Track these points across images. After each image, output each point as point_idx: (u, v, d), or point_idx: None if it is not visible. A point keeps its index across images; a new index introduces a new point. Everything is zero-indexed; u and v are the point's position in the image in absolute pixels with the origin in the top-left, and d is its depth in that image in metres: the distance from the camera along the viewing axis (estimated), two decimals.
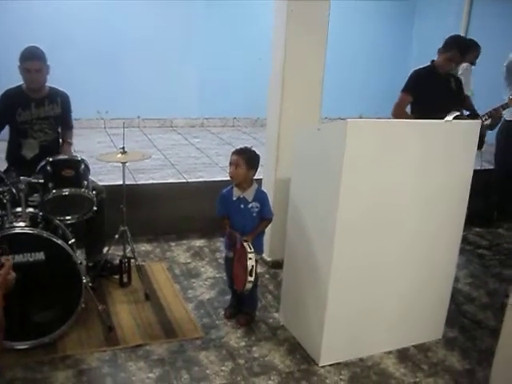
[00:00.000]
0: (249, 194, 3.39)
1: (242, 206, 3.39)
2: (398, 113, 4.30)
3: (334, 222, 2.91)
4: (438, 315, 3.53)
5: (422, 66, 4.51)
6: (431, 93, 4.30)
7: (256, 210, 3.39)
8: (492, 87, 5.32)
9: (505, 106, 4.94)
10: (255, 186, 3.42)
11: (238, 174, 3.34)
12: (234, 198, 3.40)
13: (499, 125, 5.37)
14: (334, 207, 2.90)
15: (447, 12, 8.60)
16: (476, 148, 3.27)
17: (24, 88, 3.80)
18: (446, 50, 4.44)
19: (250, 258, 3.15)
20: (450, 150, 3.15)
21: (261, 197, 3.42)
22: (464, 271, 4.60)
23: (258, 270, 3.65)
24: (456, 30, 7.44)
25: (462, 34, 7.77)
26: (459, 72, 5.09)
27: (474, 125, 3.28)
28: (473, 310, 3.97)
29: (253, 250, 3.17)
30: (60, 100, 3.92)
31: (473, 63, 5.53)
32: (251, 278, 3.17)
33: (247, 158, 3.33)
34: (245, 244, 3.21)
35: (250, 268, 3.14)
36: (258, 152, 3.45)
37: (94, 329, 3.39)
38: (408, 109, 4.48)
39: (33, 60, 3.66)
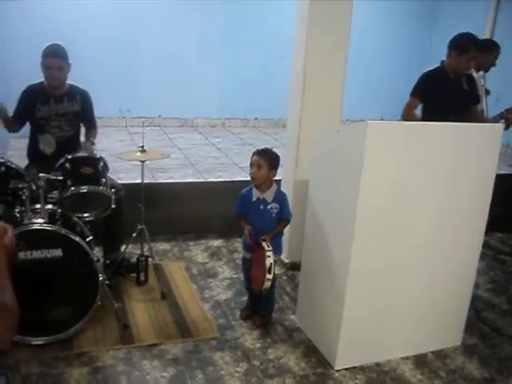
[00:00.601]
0: (268, 195, 3.37)
1: (262, 206, 3.37)
2: (407, 116, 4.25)
3: (353, 225, 2.88)
4: (457, 321, 3.47)
5: (431, 68, 4.40)
6: (441, 95, 4.21)
7: (275, 210, 3.37)
8: None
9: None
10: (275, 186, 3.41)
11: (259, 175, 3.32)
12: (254, 199, 3.39)
13: None
14: (353, 209, 2.86)
15: (471, 12, 8.48)
16: (498, 151, 3.21)
17: (45, 84, 3.83)
18: (462, 51, 4.28)
19: (269, 256, 3.13)
20: (471, 153, 3.10)
21: (280, 198, 3.40)
22: (484, 277, 4.53)
23: (276, 272, 3.64)
24: (480, 32, 7.33)
25: (488, 36, 7.66)
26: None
27: (497, 128, 3.22)
28: (493, 317, 3.90)
29: (271, 249, 3.16)
30: (79, 97, 3.95)
31: (492, 65, 5.28)
32: (270, 276, 3.14)
33: (269, 159, 3.32)
34: (263, 243, 3.20)
35: (268, 266, 3.12)
36: (278, 153, 3.43)
37: (110, 326, 3.39)
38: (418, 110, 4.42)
39: (54, 57, 3.70)
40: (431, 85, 4.26)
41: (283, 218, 3.41)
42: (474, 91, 4.57)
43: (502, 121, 4.62)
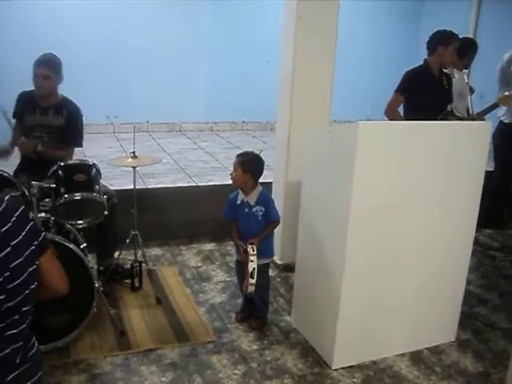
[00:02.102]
0: (251, 198, 3.37)
1: (247, 209, 3.38)
2: (390, 113, 4.30)
3: (346, 225, 2.90)
4: (451, 317, 3.51)
5: (415, 66, 4.46)
6: (425, 93, 4.27)
7: (261, 213, 3.36)
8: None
9: (494, 106, 4.91)
10: (259, 189, 3.40)
11: (235, 178, 3.35)
12: (239, 202, 3.41)
13: (496, 127, 5.33)
14: (346, 210, 2.89)
15: (455, 12, 8.57)
16: (487, 149, 3.26)
17: (35, 93, 3.82)
18: (448, 43, 4.33)
19: (252, 261, 3.17)
20: (462, 151, 3.13)
21: (264, 200, 3.39)
22: (476, 273, 4.58)
23: (270, 274, 3.67)
24: (465, 30, 7.42)
25: (471, 35, 7.75)
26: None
27: (486, 126, 3.27)
28: (485, 312, 3.94)
29: (255, 253, 3.18)
30: (66, 112, 3.85)
31: (471, 62, 5.34)
32: (252, 281, 3.19)
33: (242, 162, 3.33)
34: (248, 247, 3.22)
35: (250, 270, 3.16)
36: (261, 156, 3.44)
37: (107, 333, 3.40)
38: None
39: (41, 66, 3.70)
40: (415, 82, 4.31)
41: (270, 220, 3.40)
42: (451, 91, 4.64)
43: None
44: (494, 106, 4.91)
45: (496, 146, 5.38)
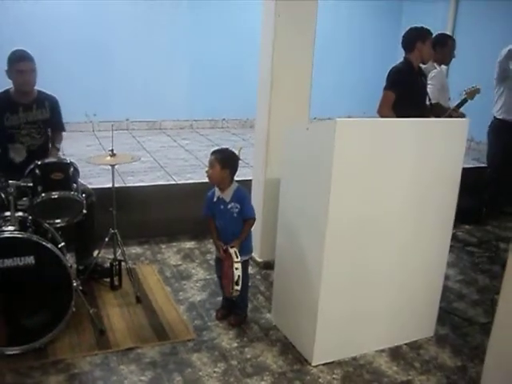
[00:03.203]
0: (227, 195, 3.37)
1: (222, 206, 3.38)
2: (385, 112, 4.30)
3: (325, 223, 2.91)
4: (430, 313, 3.54)
5: (399, 63, 4.49)
6: (411, 89, 4.31)
7: (236, 210, 3.35)
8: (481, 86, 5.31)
9: (464, 101, 4.97)
10: (234, 186, 3.38)
11: (212, 175, 3.34)
12: (215, 199, 3.41)
13: (490, 123, 5.41)
14: (325, 207, 2.89)
15: (434, 11, 8.66)
16: (464, 145, 3.29)
17: (11, 92, 3.77)
18: (425, 38, 4.38)
19: (237, 268, 3.15)
20: (440, 148, 3.16)
21: (239, 196, 3.38)
22: (454, 269, 4.62)
23: (250, 271, 3.66)
24: (443, 29, 7.48)
25: (449, 33, 7.82)
26: (430, 76, 4.99)
27: (463, 123, 3.29)
28: (463, 307, 3.98)
29: (239, 260, 3.17)
30: (48, 104, 3.89)
31: (451, 57, 5.40)
32: (237, 288, 3.18)
33: (220, 158, 3.31)
34: (231, 251, 3.21)
35: (236, 278, 3.15)
36: (240, 153, 3.44)
37: (86, 332, 3.37)
38: None
39: (25, 61, 3.66)
40: (403, 79, 4.33)
41: (245, 217, 3.38)
42: (426, 86, 4.70)
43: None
44: (464, 101, 4.96)
45: (490, 142, 5.45)
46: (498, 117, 5.33)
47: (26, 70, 3.66)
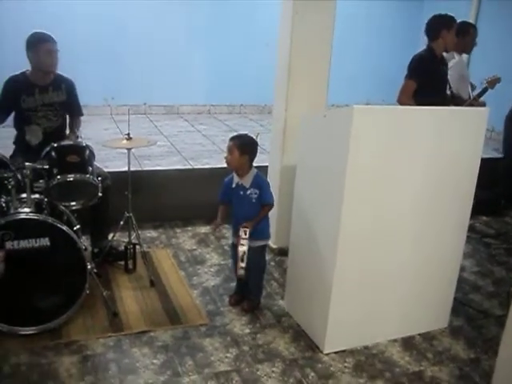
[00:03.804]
0: (246, 181, 3.36)
1: (241, 192, 3.37)
2: (405, 101, 4.24)
3: (340, 210, 2.89)
4: (444, 304, 3.51)
5: (421, 51, 4.42)
6: (433, 78, 4.25)
7: (255, 196, 3.35)
8: (503, 75, 5.21)
9: (485, 89, 4.88)
10: (253, 172, 3.38)
11: (231, 160, 3.33)
12: (234, 185, 3.40)
13: (507, 113, 5.32)
14: (340, 195, 2.87)
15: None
16: (483, 136, 3.24)
17: (28, 74, 3.79)
18: (450, 27, 4.30)
19: (242, 245, 3.20)
20: (458, 137, 3.11)
21: (259, 182, 3.37)
22: (470, 260, 4.58)
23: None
24: (466, 15, 7.36)
25: (472, 19, 7.70)
26: (449, 65, 4.91)
27: (483, 112, 3.24)
28: (479, 299, 3.95)
29: (247, 237, 3.21)
30: (64, 86, 3.90)
31: (473, 46, 5.31)
32: (242, 265, 3.23)
33: (239, 144, 3.30)
34: (241, 230, 3.23)
35: (241, 254, 3.21)
36: (258, 139, 3.43)
37: (99, 315, 3.40)
38: None
39: (53, 41, 3.71)
40: (425, 68, 4.27)
41: (263, 202, 3.38)
42: (447, 75, 4.63)
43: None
44: (485, 90, 4.89)
45: (507, 132, 5.37)
46: None
47: (54, 50, 3.71)
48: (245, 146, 3.32)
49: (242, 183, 3.37)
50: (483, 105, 4.73)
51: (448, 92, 4.56)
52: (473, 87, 5.11)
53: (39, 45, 3.67)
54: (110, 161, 4.94)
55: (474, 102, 4.77)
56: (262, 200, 3.37)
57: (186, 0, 8.03)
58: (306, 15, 3.92)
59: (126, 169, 3.81)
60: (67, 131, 4.03)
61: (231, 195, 3.42)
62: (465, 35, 4.96)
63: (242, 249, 3.20)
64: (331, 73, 4.17)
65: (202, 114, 8.67)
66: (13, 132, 3.95)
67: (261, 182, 3.38)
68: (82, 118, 4.17)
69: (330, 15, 4.00)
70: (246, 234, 3.21)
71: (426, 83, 4.16)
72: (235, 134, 3.47)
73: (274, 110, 4.40)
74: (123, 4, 7.66)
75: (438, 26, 4.30)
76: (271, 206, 3.43)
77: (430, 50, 4.34)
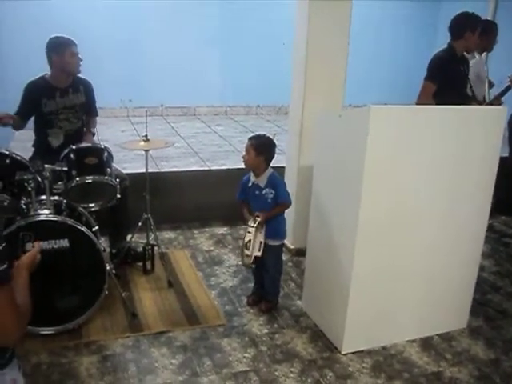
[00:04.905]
0: (262, 180, 3.38)
1: (257, 192, 3.40)
2: (425, 102, 4.19)
3: (357, 211, 2.89)
4: (463, 304, 3.49)
5: (441, 50, 4.35)
6: (453, 78, 4.20)
7: (271, 195, 3.37)
8: None
9: (509, 87, 4.82)
10: (269, 171, 3.40)
11: (247, 160, 3.37)
12: (250, 184, 3.43)
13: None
14: (357, 196, 2.87)
15: None
16: (502, 135, 3.21)
17: (48, 78, 3.82)
18: (474, 28, 4.23)
19: (249, 232, 3.25)
20: (476, 136, 3.10)
21: (274, 182, 3.39)
22: (489, 260, 4.54)
23: (282, 258, 3.66)
24: (485, 9, 7.27)
25: (490, 15, 7.60)
26: (469, 64, 4.85)
27: (501, 111, 3.22)
28: (498, 300, 3.91)
29: (255, 226, 3.25)
30: (83, 88, 3.95)
31: (494, 44, 5.24)
32: (247, 252, 3.27)
33: (256, 145, 3.34)
34: (251, 219, 3.29)
35: (246, 241, 3.25)
36: (274, 139, 3.43)
37: (118, 315, 3.42)
38: None
39: (75, 45, 3.77)
40: (446, 67, 4.21)
41: (278, 201, 3.39)
42: (468, 75, 4.57)
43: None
44: (508, 89, 4.83)
45: (510, 131, 5.31)
46: None
47: (77, 52, 3.77)
48: (261, 147, 3.34)
49: (258, 183, 3.39)
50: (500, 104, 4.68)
51: (469, 92, 4.50)
52: (491, 85, 5.05)
53: (66, 47, 3.72)
54: (127, 162, 4.97)
55: (495, 101, 4.72)
56: (277, 199, 3.38)
57: (201, 1, 8.05)
58: (322, 15, 3.92)
59: (143, 170, 3.83)
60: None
61: (247, 194, 3.45)
62: (487, 34, 4.87)
63: (248, 236, 3.24)
64: (348, 72, 4.15)
65: (218, 115, 8.69)
66: (31, 134, 3.99)
67: (276, 182, 3.40)
68: (97, 118, 4.22)
69: (347, 15, 4.00)
70: (254, 223, 3.25)
71: (446, 84, 4.11)
72: (253, 134, 3.49)
73: (291, 111, 4.41)
74: (139, 7, 7.70)
75: (463, 26, 4.20)
76: (287, 204, 3.44)
77: (451, 48, 4.27)
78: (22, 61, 5.94)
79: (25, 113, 3.80)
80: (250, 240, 3.24)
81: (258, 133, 3.52)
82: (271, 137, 3.44)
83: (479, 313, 3.68)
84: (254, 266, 3.40)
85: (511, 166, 5.25)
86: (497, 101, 4.75)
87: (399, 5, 9.02)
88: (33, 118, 3.87)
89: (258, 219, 3.27)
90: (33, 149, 3.97)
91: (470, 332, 3.48)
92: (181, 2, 7.90)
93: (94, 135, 4.03)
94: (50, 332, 3.15)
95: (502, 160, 3.29)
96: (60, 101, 3.82)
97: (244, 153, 3.38)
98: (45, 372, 2.89)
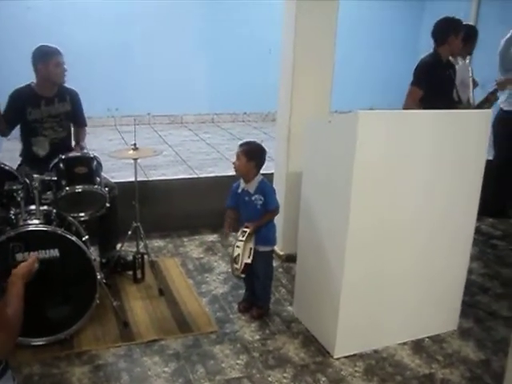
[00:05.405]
0: (251, 187, 3.40)
1: (247, 198, 3.41)
2: (411, 108, 4.22)
3: (347, 216, 2.91)
4: (453, 306, 3.52)
5: (427, 55, 4.40)
6: (439, 83, 4.24)
7: (260, 202, 3.38)
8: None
9: (494, 92, 4.88)
10: (259, 178, 3.41)
11: (238, 166, 3.38)
12: (239, 191, 3.44)
13: (495, 115, 5.30)
14: (347, 200, 2.89)
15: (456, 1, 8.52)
16: (488, 138, 3.25)
17: (33, 86, 3.82)
18: (458, 32, 4.28)
19: (238, 247, 3.25)
20: (463, 140, 3.13)
21: (263, 188, 3.40)
22: (478, 262, 4.58)
23: (273, 264, 3.67)
24: (467, 18, 7.37)
25: (472, 19, 7.71)
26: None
27: (486, 114, 3.26)
28: (487, 301, 3.95)
29: (244, 239, 3.25)
30: (69, 97, 3.94)
31: (471, 52, 5.31)
32: (237, 266, 3.28)
33: (246, 150, 3.36)
34: (240, 231, 3.29)
35: (234, 255, 3.26)
36: (263, 145, 3.46)
37: (109, 325, 3.41)
38: None
39: (59, 54, 3.77)
40: (432, 73, 4.26)
41: (267, 208, 3.41)
42: (454, 80, 4.61)
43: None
44: (494, 93, 4.87)
45: (496, 134, 5.36)
46: (504, 108, 5.21)
47: (62, 62, 3.77)
48: (252, 153, 3.36)
49: (248, 189, 3.40)
50: (495, 99, 4.77)
51: (455, 96, 4.55)
52: (475, 85, 5.10)
53: (50, 57, 3.72)
54: (116, 171, 4.96)
55: (491, 96, 4.77)
56: (266, 206, 3.40)
57: (186, 10, 8.07)
58: (309, 21, 3.95)
59: (132, 179, 3.83)
60: (73, 143, 4.05)
61: (237, 200, 3.46)
62: (469, 39, 4.94)
63: (237, 251, 3.25)
64: (334, 78, 4.19)
65: (205, 123, 8.69)
66: (18, 144, 3.98)
67: (265, 188, 3.41)
68: (86, 128, 4.20)
69: (333, 21, 4.03)
70: (243, 236, 3.26)
71: (432, 89, 4.16)
72: (244, 140, 3.52)
73: (278, 117, 4.43)
74: (126, 16, 7.70)
75: (446, 30, 4.26)
76: (275, 211, 3.46)
77: (436, 54, 4.32)
78: (9, 69, 5.89)
79: (10, 120, 3.79)
80: (238, 254, 3.25)
81: (248, 140, 3.54)
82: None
83: (469, 314, 3.71)
84: (244, 275, 3.40)
85: (497, 168, 5.31)
86: (488, 102, 4.79)
87: (386, 8, 9.07)
88: (19, 126, 3.87)
89: (247, 231, 3.28)
90: (20, 158, 3.96)
91: (460, 334, 3.51)
92: (166, 11, 7.92)
93: (83, 149, 4.00)
94: (41, 343, 3.13)
95: (488, 162, 3.33)
96: (45, 109, 3.82)
97: (234, 159, 3.40)
98: (37, 383, 2.87)
